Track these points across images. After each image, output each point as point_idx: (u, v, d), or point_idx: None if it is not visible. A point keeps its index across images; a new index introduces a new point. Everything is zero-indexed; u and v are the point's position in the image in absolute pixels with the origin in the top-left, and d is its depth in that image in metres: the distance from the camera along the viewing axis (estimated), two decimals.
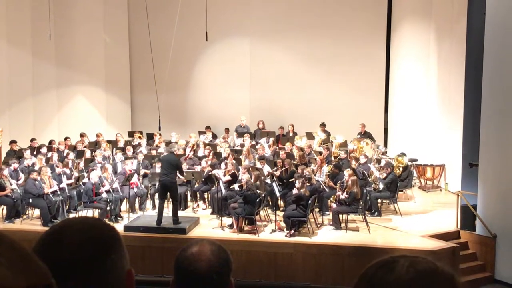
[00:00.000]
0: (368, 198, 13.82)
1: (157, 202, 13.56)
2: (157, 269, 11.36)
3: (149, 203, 14.63)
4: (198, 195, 14.70)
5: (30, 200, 13.00)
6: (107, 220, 12.93)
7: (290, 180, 13.35)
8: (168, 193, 12.73)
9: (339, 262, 11.48)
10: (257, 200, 12.30)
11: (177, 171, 12.76)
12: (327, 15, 19.74)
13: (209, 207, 14.32)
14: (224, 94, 20.50)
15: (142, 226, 12.53)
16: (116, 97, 20.75)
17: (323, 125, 17.97)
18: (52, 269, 1.26)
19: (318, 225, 12.93)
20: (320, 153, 15.51)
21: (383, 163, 14.79)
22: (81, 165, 14.98)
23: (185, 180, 14.48)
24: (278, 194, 13.28)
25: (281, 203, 13.86)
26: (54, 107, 19.78)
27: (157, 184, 13.66)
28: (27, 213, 13.59)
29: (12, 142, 16.28)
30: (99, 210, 13.06)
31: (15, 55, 18.08)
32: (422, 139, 17.57)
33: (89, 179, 13.49)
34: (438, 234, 12.44)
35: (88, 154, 15.83)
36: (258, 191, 12.51)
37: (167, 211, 12.97)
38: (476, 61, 13.63)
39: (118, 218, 13.51)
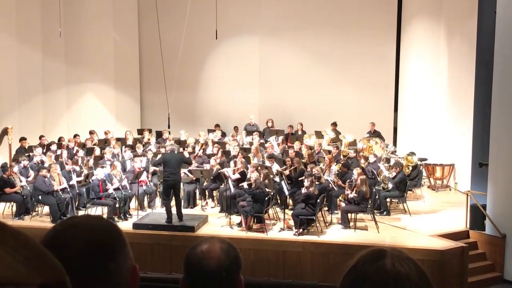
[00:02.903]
0: (377, 197, 13.79)
1: None
2: (165, 267, 11.39)
3: (158, 200, 14.64)
4: (207, 193, 14.71)
5: (40, 197, 13.06)
6: (116, 218, 13.09)
7: (299, 178, 13.34)
8: (172, 191, 12.71)
9: (347, 261, 11.43)
10: (266, 198, 12.29)
11: (183, 166, 12.77)
12: (337, 14, 19.73)
13: (218, 205, 14.32)
14: (234, 92, 20.53)
15: (151, 223, 12.55)
16: (126, 95, 20.81)
17: (334, 124, 17.95)
18: None
19: (327, 224, 12.92)
20: (329, 152, 15.49)
21: (392, 162, 14.78)
22: (91, 162, 15.01)
23: (194, 178, 14.50)
24: (287, 192, 13.28)
25: (289, 201, 13.86)
26: (63, 104, 19.86)
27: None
28: (36, 210, 13.67)
29: (22, 139, 16.35)
30: (108, 207, 13.09)
31: (25, 53, 18.16)
32: (432, 138, 17.51)
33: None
34: (447, 234, 12.39)
35: (98, 151, 15.90)
36: (267, 190, 12.51)
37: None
38: (486, 60, 13.56)
39: (127, 215, 13.55)
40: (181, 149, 15.81)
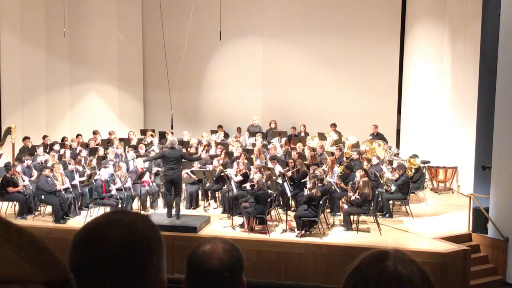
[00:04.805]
0: (379, 199, 13.78)
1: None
2: (168, 267, 11.29)
3: (160, 201, 14.65)
4: (209, 194, 14.70)
5: (42, 196, 13.07)
6: None
7: (302, 180, 13.34)
8: (173, 187, 12.79)
9: (349, 263, 11.42)
10: (268, 199, 12.30)
11: (183, 162, 12.99)
12: (340, 16, 19.72)
13: (220, 206, 14.33)
14: (237, 93, 20.54)
15: None
16: (129, 95, 20.83)
17: (334, 125, 17.95)
18: (88, 266, 1.26)
19: (329, 226, 12.92)
20: (332, 153, 15.48)
21: (395, 164, 14.75)
22: (94, 162, 15.03)
23: (197, 179, 14.51)
24: (289, 194, 13.26)
25: (292, 203, 13.85)
26: (67, 104, 19.89)
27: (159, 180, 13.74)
28: (39, 209, 13.66)
29: (25, 138, 16.38)
30: (110, 207, 13.09)
31: (29, 53, 18.20)
32: (435, 141, 17.49)
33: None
34: (449, 237, 12.37)
35: (101, 151, 15.90)
36: (269, 191, 12.51)
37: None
38: (490, 63, 13.53)
39: None
40: (184, 150, 15.83)
